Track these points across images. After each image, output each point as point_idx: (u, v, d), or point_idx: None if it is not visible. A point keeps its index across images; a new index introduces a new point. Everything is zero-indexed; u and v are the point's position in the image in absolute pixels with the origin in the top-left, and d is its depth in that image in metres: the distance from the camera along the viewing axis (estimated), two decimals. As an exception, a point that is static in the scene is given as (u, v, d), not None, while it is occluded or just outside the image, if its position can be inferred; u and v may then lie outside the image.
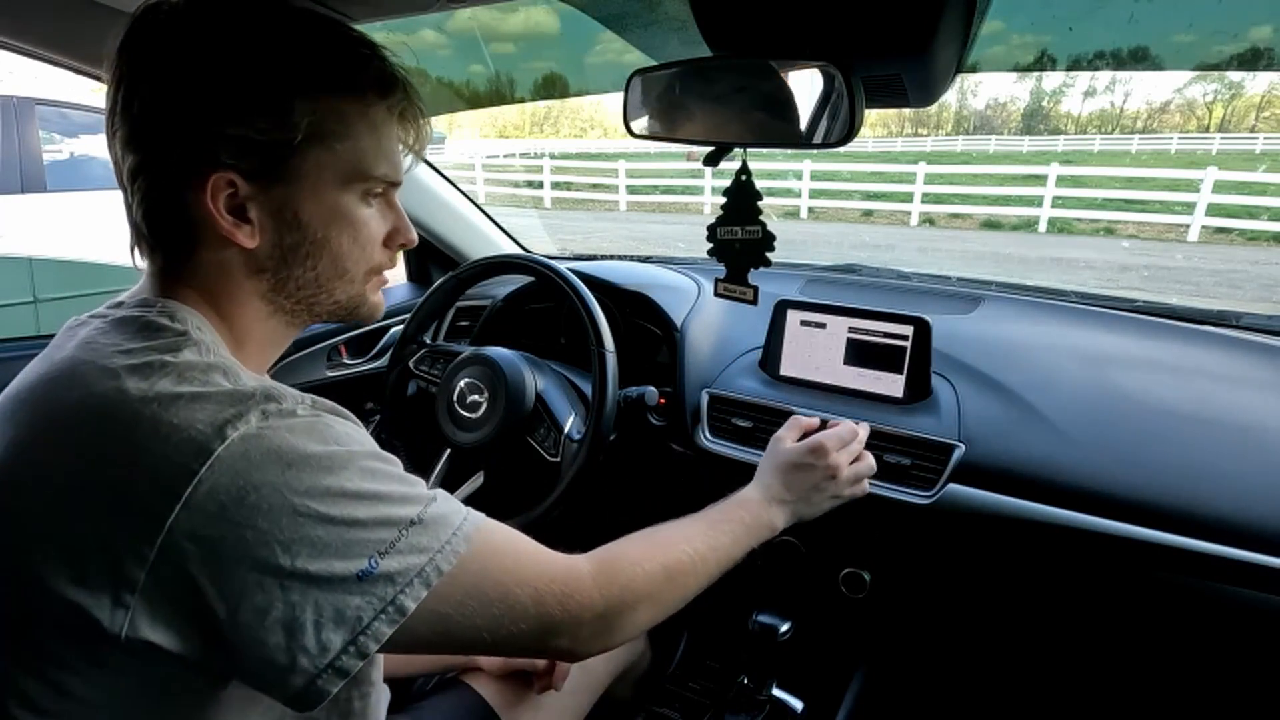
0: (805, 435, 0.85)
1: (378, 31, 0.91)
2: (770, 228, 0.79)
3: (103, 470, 0.43)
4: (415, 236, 0.61)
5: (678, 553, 0.65)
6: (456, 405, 1.05)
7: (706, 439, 1.07)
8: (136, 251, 0.54)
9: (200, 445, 0.42)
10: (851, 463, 0.82)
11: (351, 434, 0.49)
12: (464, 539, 0.50)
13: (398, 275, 1.67)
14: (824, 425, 0.86)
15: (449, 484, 1.05)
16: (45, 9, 0.88)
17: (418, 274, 1.63)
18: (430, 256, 1.57)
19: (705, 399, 1.10)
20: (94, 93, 3.38)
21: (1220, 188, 9.02)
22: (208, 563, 0.42)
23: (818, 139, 0.68)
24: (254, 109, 0.49)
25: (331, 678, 0.44)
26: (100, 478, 0.43)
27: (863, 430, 0.86)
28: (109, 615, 0.41)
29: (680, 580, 0.64)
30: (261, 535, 0.42)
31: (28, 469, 0.45)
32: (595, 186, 14.80)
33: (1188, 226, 9.21)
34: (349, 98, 0.52)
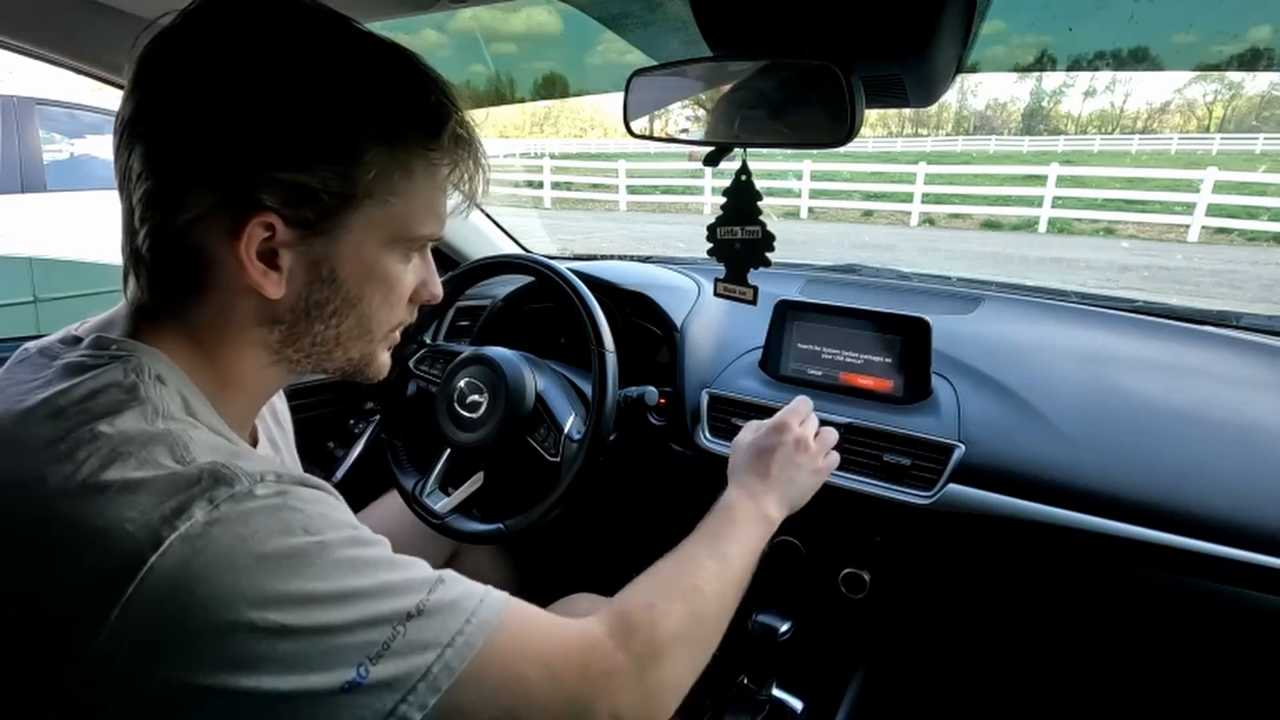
0: None
1: (378, 31, 0.91)
2: (770, 228, 0.79)
3: (8, 581, 0.36)
4: (440, 292, 0.56)
5: (690, 582, 0.59)
6: (456, 405, 1.05)
7: (706, 439, 1.07)
8: (129, 280, 0.47)
9: (130, 555, 0.35)
10: (817, 434, 0.82)
11: (325, 515, 0.41)
12: (480, 627, 0.42)
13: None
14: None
15: (449, 484, 1.05)
16: (45, 9, 0.87)
17: (418, 274, 1.63)
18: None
19: (705, 399, 1.10)
20: (94, 93, 3.38)
21: (1220, 188, 9.02)
22: (144, 696, 0.35)
23: (818, 139, 0.68)
24: (316, 154, 0.43)
25: None
26: (23, 576, 0.36)
27: (805, 403, 0.86)
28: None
29: (704, 611, 0.58)
30: (213, 656, 0.35)
31: None
32: (595, 186, 14.80)
33: (1188, 227, 9.21)
34: (422, 153, 0.47)
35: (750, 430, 0.85)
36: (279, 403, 0.70)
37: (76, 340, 0.46)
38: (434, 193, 0.49)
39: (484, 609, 0.43)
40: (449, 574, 0.45)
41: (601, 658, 0.48)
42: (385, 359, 0.56)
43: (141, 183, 0.43)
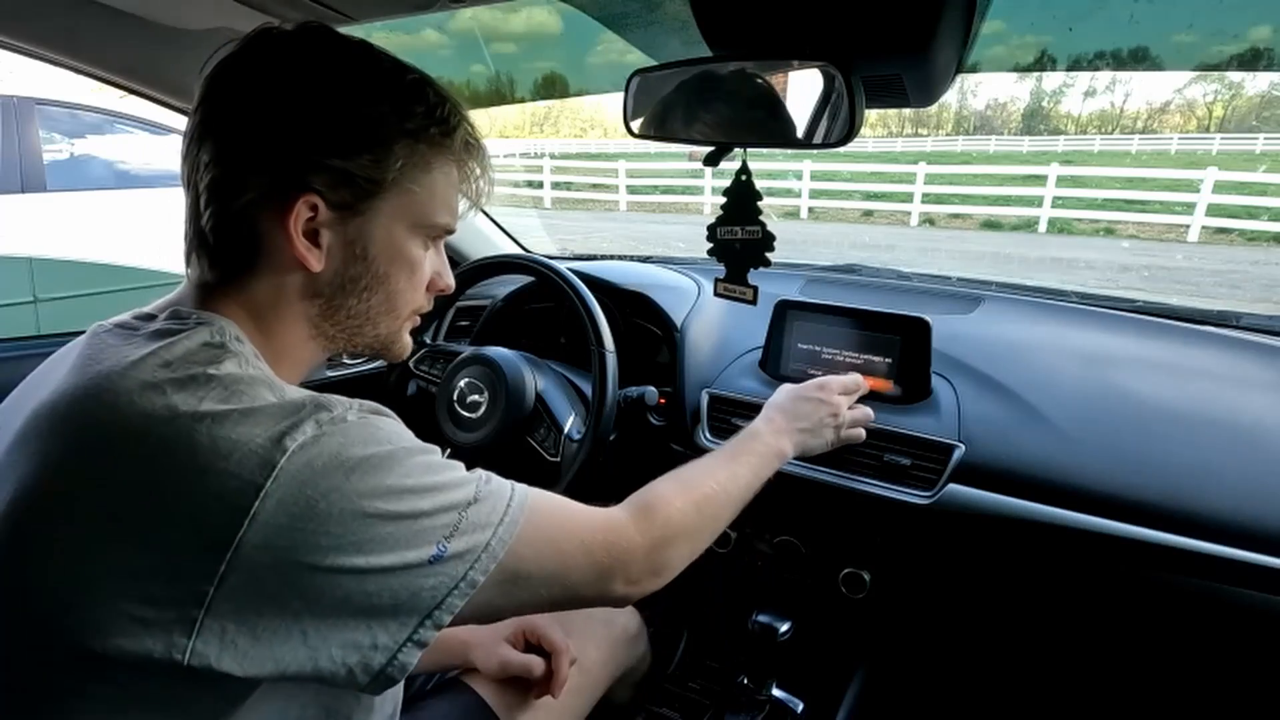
0: None
1: (378, 31, 0.91)
2: (770, 228, 0.79)
3: (160, 492, 0.42)
4: (453, 283, 0.65)
5: (704, 488, 0.71)
6: (456, 405, 1.05)
7: (706, 439, 1.07)
8: (193, 258, 0.54)
9: (262, 459, 0.43)
10: (850, 409, 0.91)
11: (400, 432, 0.51)
12: (519, 508, 0.53)
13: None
14: None
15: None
16: (45, 9, 0.87)
17: (418, 274, 1.63)
18: (430, 256, 1.57)
19: (705, 399, 1.10)
20: (94, 93, 3.38)
21: (1220, 188, 9.02)
22: (283, 571, 0.43)
23: (818, 139, 0.68)
24: (359, 144, 0.52)
25: (411, 650, 0.47)
26: (158, 500, 0.42)
27: (866, 381, 0.96)
28: (166, 647, 0.41)
29: (710, 512, 0.71)
30: (335, 540, 0.43)
31: (64, 495, 0.44)
32: (595, 186, 14.80)
33: (1188, 227, 9.21)
34: (439, 151, 0.56)
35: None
36: None
37: (151, 316, 0.53)
38: (449, 188, 0.58)
39: (518, 495, 0.54)
40: (484, 472, 0.55)
41: (624, 537, 0.60)
42: (407, 340, 0.64)
43: (208, 172, 0.51)
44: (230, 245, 0.53)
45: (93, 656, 0.41)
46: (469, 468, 0.55)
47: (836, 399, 0.90)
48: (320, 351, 0.59)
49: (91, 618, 0.41)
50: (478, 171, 0.60)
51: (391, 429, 0.51)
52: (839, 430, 0.90)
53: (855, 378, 0.95)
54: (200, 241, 0.53)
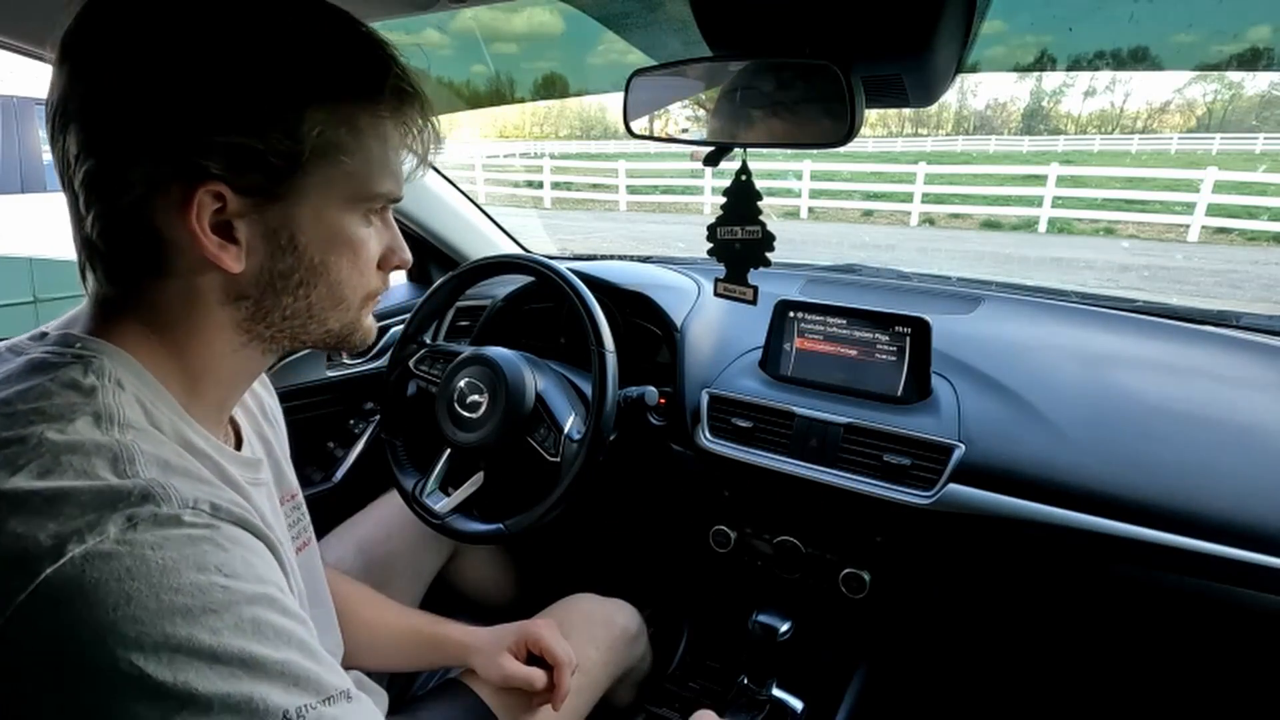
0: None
1: (378, 31, 0.91)
2: (770, 228, 0.79)
3: None
4: (410, 257, 0.56)
5: None
6: (456, 405, 1.05)
7: (706, 439, 1.07)
8: (87, 273, 0.46)
9: (27, 566, 0.33)
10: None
11: (251, 565, 0.38)
12: None
13: (397, 275, 1.67)
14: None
15: (449, 484, 1.05)
16: (46, 9, 0.87)
17: (418, 274, 1.63)
18: (430, 256, 1.57)
19: (705, 399, 1.10)
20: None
21: (1220, 188, 9.02)
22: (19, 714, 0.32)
23: (818, 139, 0.68)
24: (257, 115, 0.42)
25: None
26: None
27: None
28: None
29: None
30: (66, 698, 0.32)
31: None
32: (595, 186, 14.80)
33: (1188, 226, 9.20)
34: (365, 107, 0.46)
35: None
36: (269, 399, 0.68)
37: (43, 336, 0.45)
38: (385, 150, 0.48)
39: None
40: (361, 697, 0.40)
41: None
42: (370, 324, 0.55)
43: (81, 165, 0.42)
44: (125, 252, 0.44)
45: None
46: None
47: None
48: (259, 356, 0.51)
49: None
50: (419, 122, 0.50)
51: (239, 556, 0.38)
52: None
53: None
54: (90, 250, 0.44)
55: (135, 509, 0.36)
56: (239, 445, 0.58)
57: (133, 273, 0.45)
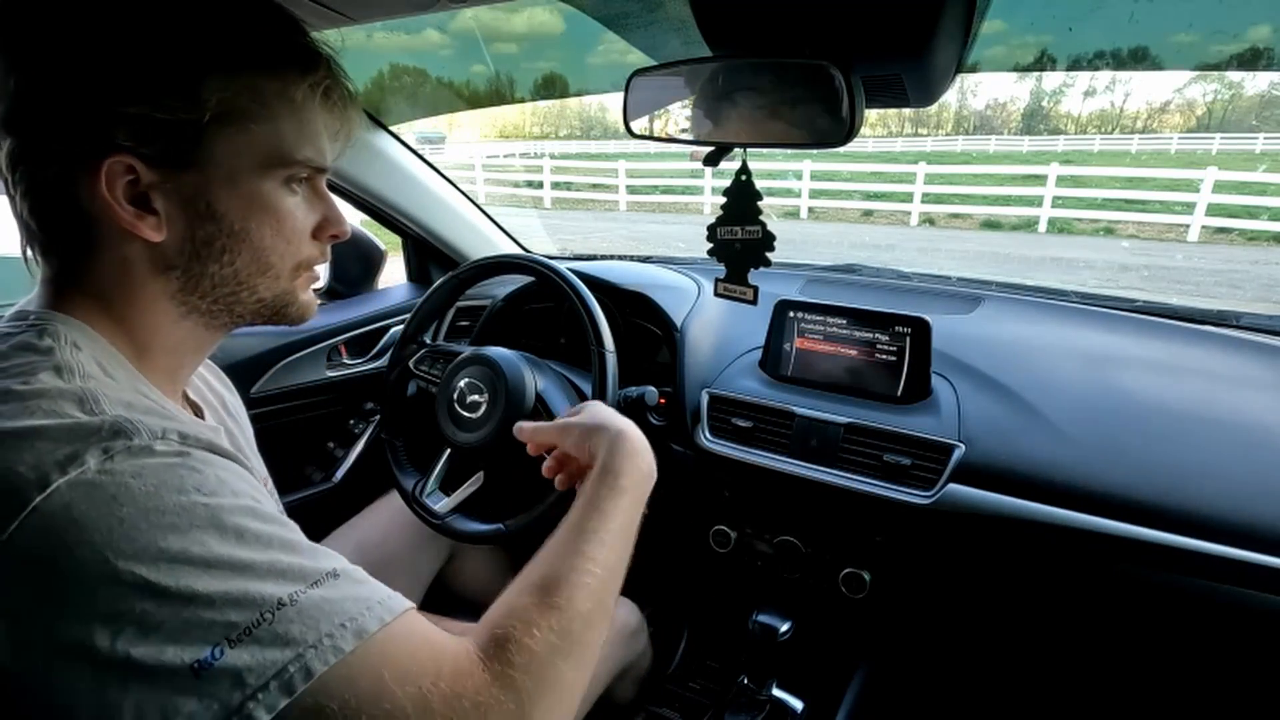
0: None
1: (378, 32, 0.91)
2: (770, 228, 0.79)
3: None
4: (348, 229, 0.56)
5: (571, 581, 0.51)
6: (456, 405, 1.05)
7: (706, 439, 1.07)
8: (28, 252, 0.48)
9: (17, 494, 0.35)
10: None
11: (224, 481, 0.40)
12: (355, 634, 0.38)
13: (398, 275, 1.67)
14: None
15: (449, 484, 1.05)
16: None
17: (418, 274, 1.63)
18: (430, 256, 1.57)
19: (705, 399, 1.10)
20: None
21: (1220, 188, 9.02)
22: (13, 641, 0.34)
23: (818, 139, 0.68)
24: (156, 84, 0.43)
25: None
26: None
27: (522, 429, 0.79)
28: None
29: (586, 602, 0.50)
30: (74, 610, 0.34)
31: None
32: (595, 186, 14.80)
33: (1188, 226, 9.21)
34: (266, 74, 0.47)
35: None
36: (230, 396, 0.69)
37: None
38: (298, 117, 0.49)
39: (366, 617, 0.39)
40: (351, 571, 0.42)
41: (473, 688, 0.41)
42: (307, 299, 0.55)
43: (4, 144, 0.44)
44: (55, 229, 0.46)
45: None
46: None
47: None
48: (203, 330, 0.52)
49: None
50: (331, 84, 0.50)
51: (213, 475, 0.40)
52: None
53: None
54: (26, 231, 0.47)
55: (109, 443, 0.38)
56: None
57: (65, 248, 0.47)
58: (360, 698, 0.37)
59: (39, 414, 0.38)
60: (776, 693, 1.04)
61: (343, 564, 0.42)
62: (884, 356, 1.03)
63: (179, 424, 0.42)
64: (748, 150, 0.76)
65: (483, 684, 0.42)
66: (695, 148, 0.76)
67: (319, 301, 0.57)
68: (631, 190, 14.03)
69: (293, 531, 0.42)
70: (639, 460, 0.64)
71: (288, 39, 0.48)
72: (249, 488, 0.42)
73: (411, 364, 1.16)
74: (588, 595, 0.50)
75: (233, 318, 0.52)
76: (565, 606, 0.48)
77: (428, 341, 1.19)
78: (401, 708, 0.38)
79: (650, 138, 0.78)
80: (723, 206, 0.80)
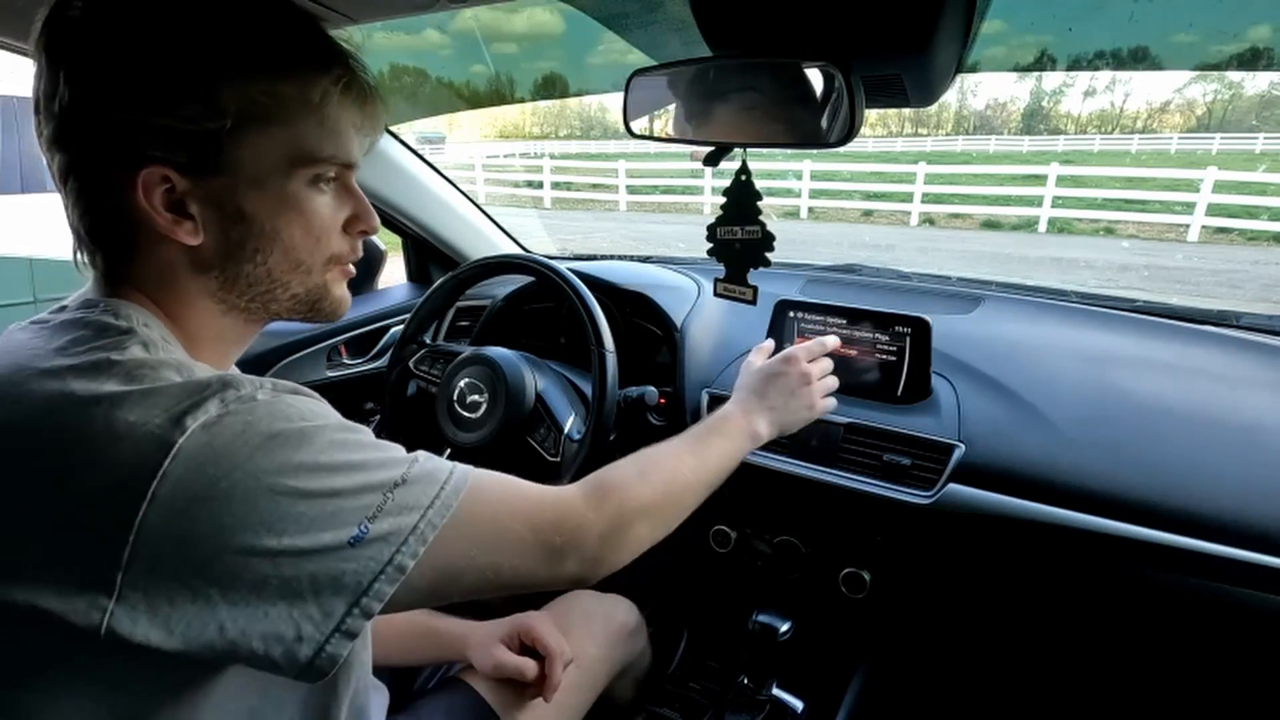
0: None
1: (378, 32, 0.91)
2: (770, 228, 0.79)
3: (60, 479, 0.40)
4: (377, 223, 0.58)
5: (668, 470, 0.67)
6: (456, 405, 1.05)
7: (706, 439, 1.07)
8: (79, 255, 0.51)
9: (160, 440, 0.41)
10: (821, 378, 0.87)
11: (318, 410, 0.48)
12: (454, 491, 0.50)
13: (398, 275, 1.67)
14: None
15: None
16: (45, 9, 0.87)
17: (418, 274, 1.63)
18: (430, 256, 1.57)
19: (705, 399, 1.10)
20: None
21: (1220, 188, 9.02)
22: (188, 556, 0.40)
23: (818, 139, 0.68)
24: (178, 96, 0.46)
25: (340, 641, 0.44)
26: (58, 487, 0.40)
27: (829, 341, 0.90)
28: (86, 626, 0.39)
29: (674, 492, 0.66)
30: (241, 520, 0.41)
31: None
32: (595, 186, 14.80)
33: (1188, 226, 9.21)
34: (282, 76, 0.48)
35: (761, 354, 0.91)
36: None
37: (64, 308, 0.50)
38: (318, 114, 0.50)
39: (455, 478, 0.50)
40: (423, 454, 0.52)
41: (575, 514, 0.56)
42: (341, 294, 0.58)
43: (56, 158, 0.48)
44: (102, 234, 0.49)
45: (18, 642, 0.41)
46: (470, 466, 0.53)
47: (805, 367, 0.85)
48: (242, 324, 0.55)
49: (12, 605, 0.40)
50: (353, 80, 0.52)
51: (308, 406, 0.48)
52: (813, 395, 0.84)
53: (818, 340, 0.89)
54: (77, 237, 0.50)
55: (222, 393, 0.44)
56: None
57: (112, 251, 0.50)
58: (478, 532, 0.50)
59: (148, 379, 0.43)
60: (776, 693, 1.04)
61: (411, 452, 0.51)
62: (884, 356, 1.03)
63: (263, 379, 0.48)
64: (748, 150, 0.76)
65: (582, 514, 0.57)
66: (695, 148, 0.76)
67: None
68: (631, 190, 14.03)
69: (369, 435, 0.50)
70: (756, 424, 0.80)
71: (302, 39, 0.50)
72: (330, 411, 0.50)
73: (411, 364, 1.16)
74: (675, 487, 0.66)
75: (269, 313, 0.55)
76: (657, 485, 0.64)
77: (428, 341, 1.19)
78: (516, 533, 0.52)
79: (650, 138, 0.78)
80: (723, 206, 0.80)
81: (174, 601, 0.40)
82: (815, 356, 0.88)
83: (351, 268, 0.58)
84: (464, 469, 0.53)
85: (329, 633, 0.44)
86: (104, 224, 0.49)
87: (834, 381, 0.89)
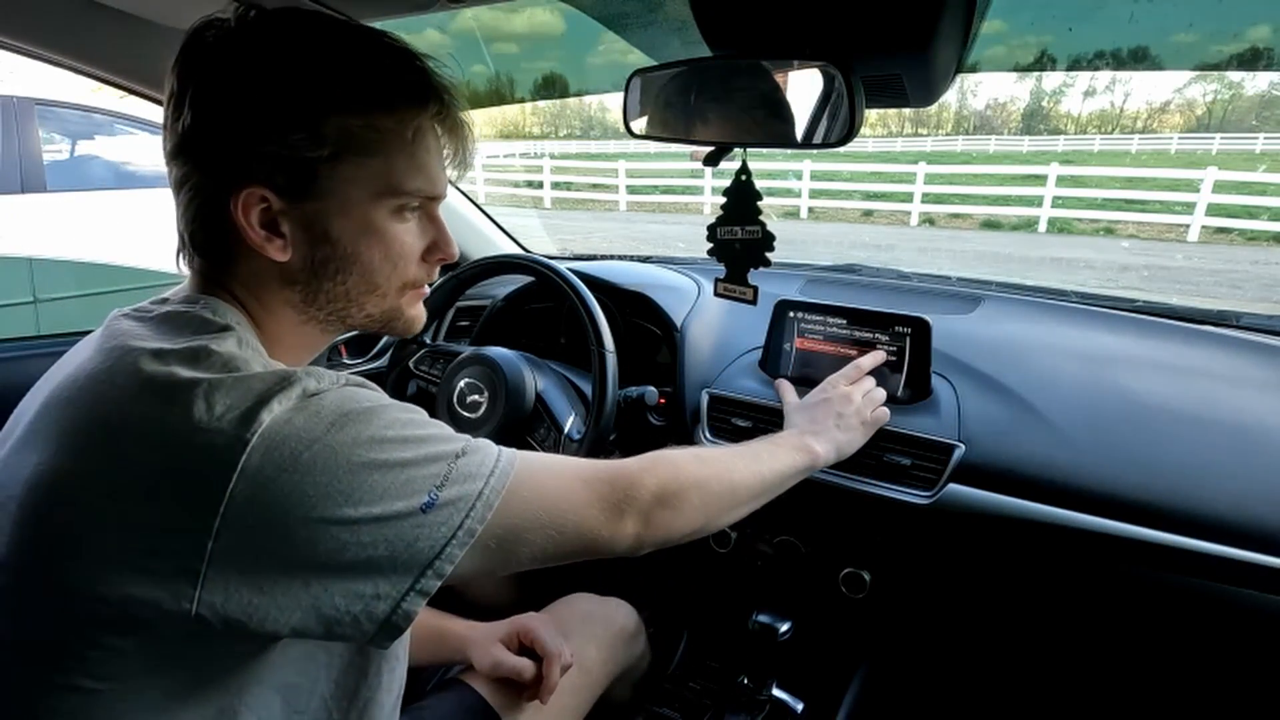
0: None
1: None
2: (770, 228, 0.79)
3: (160, 454, 0.44)
4: (455, 252, 0.62)
5: (721, 458, 0.72)
6: (456, 405, 1.05)
7: (706, 439, 1.07)
8: (181, 256, 0.56)
9: (248, 415, 0.45)
10: (865, 394, 0.92)
11: (377, 395, 0.53)
12: (509, 461, 0.54)
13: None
14: None
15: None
16: (45, 9, 0.88)
17: (418, 274, 1.63)
18: (430, 256, 1.57)
19: (705, 399, 1.10)
20: (94, 93, 3.38)
21: (1220, 188, 9.02)
22: (276, 524, 0.44)
23: (818, 139, 0.68)
24: (286, 126, 0.50)
25: (415, 599, 0.48)
26: (158, 461, 0.44)
27: (864, 363, 0.97)
28: (173, 596, 0.43)
29: (724, 478, 0.69)
30: (322, 490, 0.45)
31: (79, 465, 0.46)
32: (595, 186, 14.80)
33: (1188, 226, 9.21)
34: (381, 111, 0.53)
35: (788, 393, 0.98)
36: None
37: (165, 300, 0.56)
38: (410, 149, 0.55)
39: (506, 451, 0.55)
40: (467, 437, 0.55)
41: (627, 474, 0.60)
42: (414, 313, 0.63)
43: (174, 170, 0.53)
44: (205, 240, 0.54)
45: (106, 609, 0.43)
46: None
47: (844, 389, 0.91)
48: (319, 334, 0.60)
49: (103, 570, 0.43)
50: (448, 123, 0.57)
51: (368, 393, 0.52)
52: (862, 411, 0.89)
53: (855, 364, 0.96)
54: (181, 240, 0.55)
55: (304, 384, 0.48)
56: None
57: (212, 257, 0.55)
58: (544, 493, 0.55)
59: (240, 369, 0.48)
60: (776, 693, 1.04)
61: (469, 438, 0.55)
62: (884, 356, 1.02)
63: (335, 375, 0.53)
64: (748, 150, 0.76)
65: (635, 472, 0.61)
66: (695, 148, 0.76)
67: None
68: (631, 190, 14.03)
69: (425, 415, 0.54)
70: (809, 442, 0.82)
71: (403, 77, 0.54)
72: (389, 398, 0.53)
73: (411, 364, 1.16)
74: (726, 475, 0.70)
75: (345, 327, 0.60)
76: (708, 466, 0.69)
77: (428, 341, 1.19)
78: (576, 492, 0.57)
79: (650, 138, 0.78)
80: (723, 206, 0.80)
81: (261, 567, 0.44)
82: (853, 380, 0.94)
83: (427, 289, 0.63)
84: (512, 450, 0.56)
85: (405, 591, 0.47)
86: (206, 232, 0.54)
87: (881, 393, 0.95)
